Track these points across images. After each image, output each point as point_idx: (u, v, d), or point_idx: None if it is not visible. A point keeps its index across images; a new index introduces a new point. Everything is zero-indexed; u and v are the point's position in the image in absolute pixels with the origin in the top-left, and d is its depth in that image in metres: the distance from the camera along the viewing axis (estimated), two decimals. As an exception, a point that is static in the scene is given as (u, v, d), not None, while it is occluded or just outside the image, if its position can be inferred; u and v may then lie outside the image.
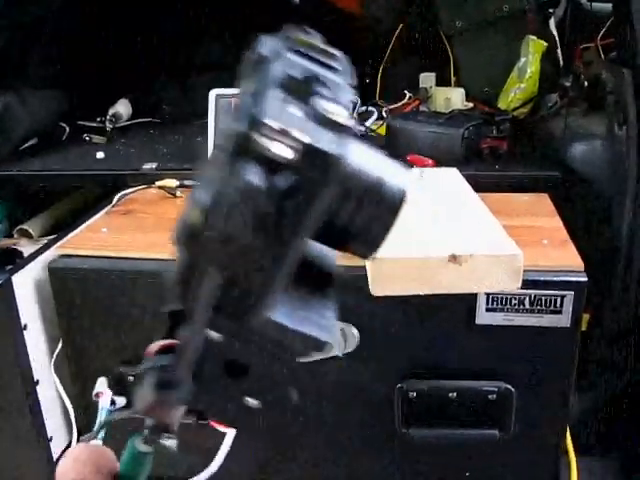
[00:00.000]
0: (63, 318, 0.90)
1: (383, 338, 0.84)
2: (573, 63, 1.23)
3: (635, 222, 0.93)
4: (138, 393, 0.36)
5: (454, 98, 1.34)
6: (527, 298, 0.78)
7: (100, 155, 1.25)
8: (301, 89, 0.29)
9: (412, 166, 1.07)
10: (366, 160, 0.32)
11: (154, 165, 1.17)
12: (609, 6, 1.14)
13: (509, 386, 0.83)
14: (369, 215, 0.32)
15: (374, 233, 0.33)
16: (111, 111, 1.46)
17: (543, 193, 1.01)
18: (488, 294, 0.79)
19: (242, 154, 0.27)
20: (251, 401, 0.37)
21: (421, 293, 0.72)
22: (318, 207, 0.29)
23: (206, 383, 0.35)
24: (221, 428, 0.41)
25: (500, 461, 0.90)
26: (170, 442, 0.38)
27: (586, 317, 0.91)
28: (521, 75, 1.30)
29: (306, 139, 0.28)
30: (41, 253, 0.92)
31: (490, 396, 0.83)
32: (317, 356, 0.34)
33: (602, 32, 1.20)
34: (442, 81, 1.46)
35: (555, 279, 0.78)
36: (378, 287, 0.73)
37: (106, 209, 1.05)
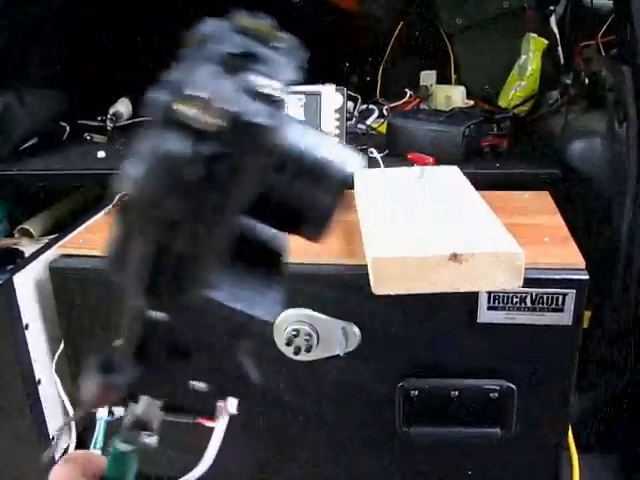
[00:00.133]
0: (64, 318, 0.90)
1: (384, 337, 0.84)
2: (573, 60, 1.23)
3: (635, 222, 0.93)
4: (84, 382, 0.36)
5: (454, 96, 1.34)
6: (528, 296, 0.78)
7: (101, 154, 1.24)
8: (236, 64, 0.30)
9: (412, 164, 1.07)
10: (303, 136, 0.32)
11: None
12: (610, 3, 1.14)
13: (511, 384, 0.83)
14: (310, 193, 0.32)
15: (318, 214, 0.33)
16: (112, 110, 1.46)
17: (544, 191, 1.01)
18: (489, 292, 0.79)
19: (167, 124, 0.28)
20: (197, 384, 0.36)
21: (422, 292, 0.72)
22: (246, 177, 0.29)
23: (150, 365, 0.35)
24: (209, 424, 0.40)
25: (501, 460, 0.89)
26: (150, 440, 0.38)
27: (587, 314, 0.91)
28: (521, 73, 1.30)
29: (232, 109, 0.28)
30: (42, 253, 0.92)
31: (492, 394, 0.83)
32: (253, 337, 0.34)
33: (603, 29, 1.19)
34: (443, 79, 1.46)
35: (556, 277, 0.78)
36: (379, 286, 0.72)
37: (107, 209, 1.05)
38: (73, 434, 0.93)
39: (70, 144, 1.37)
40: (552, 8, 1.39)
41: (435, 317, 0.82)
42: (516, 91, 1.29)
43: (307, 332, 0.83)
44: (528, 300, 0.78)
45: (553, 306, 0.78)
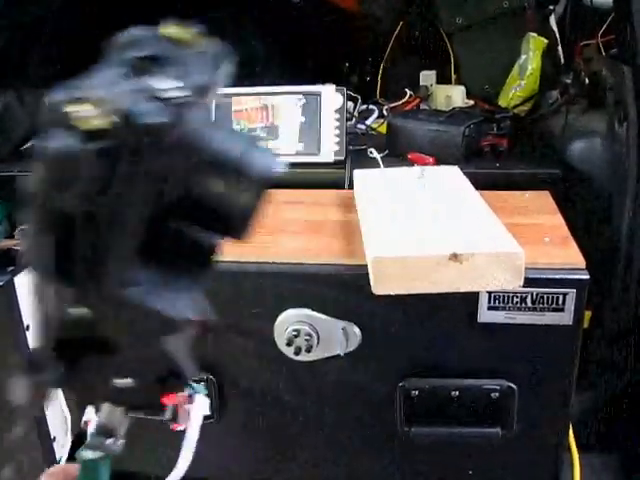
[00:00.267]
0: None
1: (384, 337, 0.84)
2: (574, 60, 1.23)
3: (635, 221, 0.93)
4: (14, 384, 0.36)
5: (455, 96, 1.34)
6: (529, 296, 0.78)
7: (101, 154, 1.24)
8: (142, 67, 0.31)
9: (413, 164, 1.07)
10: (216, 136, 0.33)
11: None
12: (609, 2, 1.14)
13: (511, 384, 0.83)
14: (228, 194, 0.33)
15: (237, 214, 0.34)
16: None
17: (544, 191, 1.01)
18: (490, 292, 0.79)
19: (58, 124, 0.29)
20: (120, 381, 0.37)
21: (422, 292, 0.72)
22: (142, 174, 0.30)
23: (74, 363, 0.36)
24: (179, 428, 0.41)
25: (501, 460, 0.89)
26: (115, 445, 0.39)
27: (588, 314, 0.91)
28: (521, 72, 1.30)
29: (122, 108, 0.29)
30: (42, 253, 0.92)
31: (492, 394, 0.83)
32: (171, 334, 0.34)
33: (603, 29, 1.19)
34: (442, 79, 1.46)
35: (557, 277, 0.78)
36: (380, 286, 0.72)
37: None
38: (69, 434, 0.93)
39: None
40: (552, 8, 1.39)
41: (435, 317, 0.82)
42: (516, 91, 1.29)
43: (307, 332, 0.83)
44: (528, 300, 0.78)
45: (553, 306, 0.78)
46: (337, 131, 1.12)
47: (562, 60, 1.34)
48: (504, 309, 0.79)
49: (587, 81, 1.08)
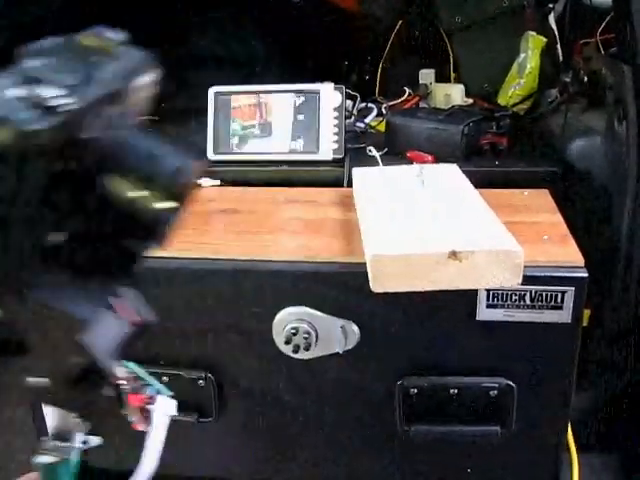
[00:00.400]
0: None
1: (383, 335, 0.84)
2: (573, 59, 1.23)
3: (635, 221, 0.93)
4: None
5: (454, 94, 1.34)
6: (528, 294, 0.78)
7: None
8: (35, 76, 0.31)
9: (412, 162, 1.07)
10: (117, 140, 0.33)
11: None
12: (609, 0, 1.14)
13: (510, 382, 0.83)
14: (139, 201, 0.33)
15: (151, 221, 0.34)
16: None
17: (543, 189, 1.01)
18: (488, 290, 0.78)
19: None
20: (33, 380, 0.37)
21: (421, 290, 0.72)
22: (25, 180, 0.30)
23: None
24: (140, 429, 0.41)
25: (501, 459, 0.89)
26: (70, 449, 0.39)
27: (587, 312, 0.91)
28: (521, 71, 1.30)
29: (2, 115, 0.30)
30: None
31: (491, 392, 0.83)
32: (84, 334, 0.35)
33: (602, 27, 1.19)
34: (442, 77, 1.46)
35: (556, 275, 0.78)
36: (378, 283, 0.72)
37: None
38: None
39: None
40: (551, 6, 1.38)
41: (434, 315, 0.82)
42: (515, 89, 1.29)
43: (306, 330, 0.83)
44: (527, 298, 0.78)
45: (552, 304, 0.78)
46: (336, 129, 1.12)
47: (561, 59, 1.34)
48: (503, 307, 0.79)
49: (586, 80, 1.08)
